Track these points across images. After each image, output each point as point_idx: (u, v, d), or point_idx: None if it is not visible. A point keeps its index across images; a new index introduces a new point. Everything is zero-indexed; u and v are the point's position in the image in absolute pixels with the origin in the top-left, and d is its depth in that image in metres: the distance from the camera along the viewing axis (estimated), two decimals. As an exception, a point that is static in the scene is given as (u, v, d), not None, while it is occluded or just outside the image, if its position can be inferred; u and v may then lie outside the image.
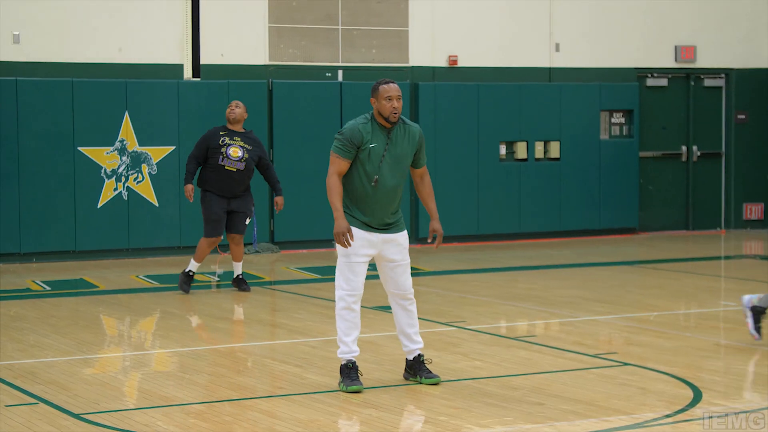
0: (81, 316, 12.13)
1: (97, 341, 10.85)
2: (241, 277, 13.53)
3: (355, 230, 8.51)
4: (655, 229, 20.48)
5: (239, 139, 13.14)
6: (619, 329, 11.15)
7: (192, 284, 13.43)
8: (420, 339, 8.77)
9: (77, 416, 7.81)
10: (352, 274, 8.53)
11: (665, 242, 19.37)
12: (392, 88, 8.48)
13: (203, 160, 13.21)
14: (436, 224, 8.79)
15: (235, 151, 13.05)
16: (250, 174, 13.19)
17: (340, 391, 8.48)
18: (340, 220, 8.38)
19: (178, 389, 8.59)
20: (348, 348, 8.56)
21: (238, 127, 13.20)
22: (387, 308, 11.95)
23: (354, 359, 8.58)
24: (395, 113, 8.46)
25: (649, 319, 11.67)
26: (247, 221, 13.37)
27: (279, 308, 12.89)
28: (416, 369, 8.74)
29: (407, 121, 8.70)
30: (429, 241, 8.87)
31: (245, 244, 17.54)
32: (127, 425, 7.56)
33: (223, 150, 13.06)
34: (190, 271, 13.33)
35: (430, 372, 8.74)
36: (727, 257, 18.06)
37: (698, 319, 11.88)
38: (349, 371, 8.53)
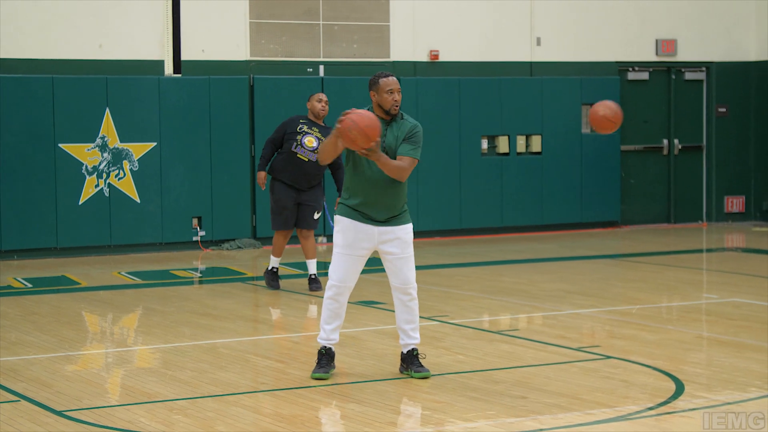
0: (63, 313, 12.09)
1: (79, 338, 10.82)
2: (314, 276, 13.17)
3: (352, 222, 8.58)
4: (637, 223, 20.53)
5: (317, 130, 12.91)
6: (601, 322, 11.17)
7: (279, 279, 13.35)
8: (417, 336, 8.78)
9: (59, 413, 7.78)
10: (344, 266, 8.59)
11: (647, 235, 19.41)
12: (393, 81, 8.62)
13: (279, 146, 13.00)
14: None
15: (311, 141, 12.80)
16: (321, 168, 12.88)
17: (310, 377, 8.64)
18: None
19: (161, 385, 8.57)
20: (326, 335, 8.70)
21: (320, 121, 13.06)
22: (370, 303, 11.95)
23: (330, 347, 8.70)
24: (396, 106, 8.62)
25: (631, 312, 11.69)
26: (317, 215, 13.06)
27: (261, 304, 12.87)
28: (408, 362, 8.78)
29: (406, 116, 8.80)
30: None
31: (230, 240, 17.51)
32: (110, 422, 7.54)
33: (298, 138, 12.83)
34: (273, 268, 13.22)
35: (421, 366, 8.76)
36: (709, 250, 18.11)
37: (680, 312, 11.90)
38: (321, 357, 8.69)
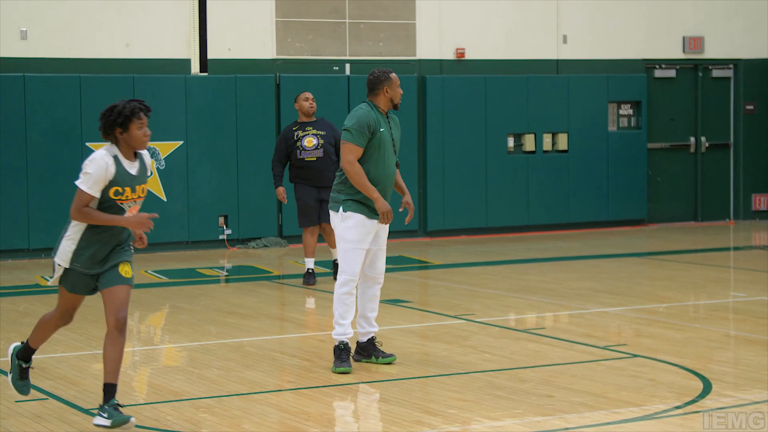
0: (90, 311, 12.11)
1: (107, 336, 10.84)
2: (337, 262, 13.37)
3: (364, 218, 8.81)
4: (664, 221, 20.45)
5: (311, 128, 13.29)
6: (628, 321, 11.14)
7: (315, 277, 13.55)
8: (376, 324, 9.10)
9: (87, 411, 7.82)
10: (359, 261, 8.84)
11: (674, 233, 19.34)
12: (397, 76, 8.95)
13: (286, 159, 13.34)
14: (408, 198, 9.06)
15: (310, 141, 13.20)
16: (331, 159, 13.22)
17: (332, 372, 8.74)
18: (380, 200, 8.72)
19: (188, 384, 8.60)
20: (343, 330, 8.87)
21: (312, 118, 13.37)
22: (395, 302, 11.94)
23: (347, 341, 8.86)
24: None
25: (658, 310, 11.66)
26: None
27: (287, 302, 12.89)
28: (370, 350, 9.04)
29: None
30: (400, 210, 9.11)
31: (257, 238, 17.55)
32: (137, 420, 7.55)
33: (298, 144, 13.22)
34: (308, 269, 13.46)
35: (385, 352, 9.07)
36: (736, 248, 18.03)
37: (708, 310, 11.86)
38: (341, 352, 8.84)
